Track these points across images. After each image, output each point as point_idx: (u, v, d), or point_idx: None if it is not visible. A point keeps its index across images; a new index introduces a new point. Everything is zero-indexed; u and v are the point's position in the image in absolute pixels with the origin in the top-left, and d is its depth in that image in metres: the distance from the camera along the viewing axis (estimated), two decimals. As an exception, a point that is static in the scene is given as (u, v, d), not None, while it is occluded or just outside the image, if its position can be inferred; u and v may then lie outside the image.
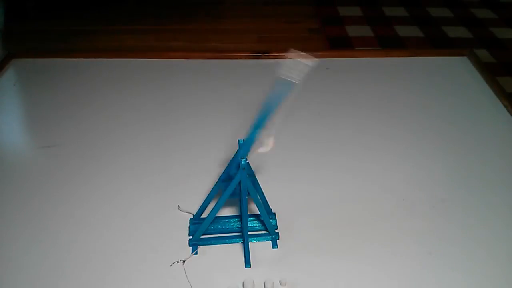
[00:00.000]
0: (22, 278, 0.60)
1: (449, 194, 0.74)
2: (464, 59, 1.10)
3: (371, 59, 1.11)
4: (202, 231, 0.63)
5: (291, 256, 0.64)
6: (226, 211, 0.69)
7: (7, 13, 1.36)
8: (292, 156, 0.81)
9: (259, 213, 0.62)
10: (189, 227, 0.67)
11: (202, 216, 0.68)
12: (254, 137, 0.54)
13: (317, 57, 1.22)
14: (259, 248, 0.65)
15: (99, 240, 0.66)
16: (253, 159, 0.60)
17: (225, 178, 0.61)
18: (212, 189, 0.65)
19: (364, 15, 1.44)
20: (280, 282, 0.59)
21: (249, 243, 0.64)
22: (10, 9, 1.37)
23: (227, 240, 0.65)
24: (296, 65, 0.46)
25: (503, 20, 1.41)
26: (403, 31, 1.34)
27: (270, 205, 0.68)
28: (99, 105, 0.93)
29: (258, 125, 0.53)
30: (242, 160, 0.55)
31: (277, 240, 0.65)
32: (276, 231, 0.66)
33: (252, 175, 0.61)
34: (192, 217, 0.68)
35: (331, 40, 1.28)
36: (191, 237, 0.65)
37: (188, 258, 0.63)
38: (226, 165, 0.62)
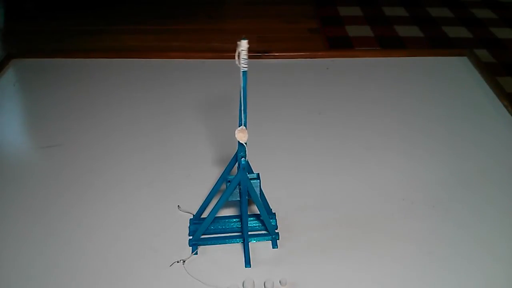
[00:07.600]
0: (22, 278, 0.60)
1: (449, 194, 0.74)
2: (464, 59, 1.10)
3: (371, 59, 1.11)
4: (202, 231, 0.63)
5: (291, 256, 0.64)
6: (226, 211, 0.69)
7: (7, 13, 1.36)
8: (292, 156, 0.81)
9: (259, 213, 0.62)
10: (189, 227, 0.67)
11: (202, 216, 0.68)
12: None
13: (317, 57, 1.22)
14: (259, 248, 0.65)
15: (99, 240, 0.66)
16: (254, 159, 0.60)
17: (225, 178, 0.61)
18: (212, 189, 0.65)
19: (364, 15, 1.44)
20: (280, 282, 0.59)
21: (249, 243, 0.64)
22: (10, 9, 1.37)
23: (227, 240, 0.65)
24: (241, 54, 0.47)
25: (503, 20, 1.41)
26: (403, 31, 1.34)
27: (270, 205, 0.68)
28: (99, 105, 0.93)
29: (240, 119, 0.53)
30: (242, 159, 0.55)
31: (277, 240, 0.65)
32: (276, 231, 0.66)
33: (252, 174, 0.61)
34: (192, 217, 0.68)
35: (331, 40, 1.27)
36: (191, 237, 0.65)
37: (188, 258, 0.63)
38: (226, 165, 0.62)
